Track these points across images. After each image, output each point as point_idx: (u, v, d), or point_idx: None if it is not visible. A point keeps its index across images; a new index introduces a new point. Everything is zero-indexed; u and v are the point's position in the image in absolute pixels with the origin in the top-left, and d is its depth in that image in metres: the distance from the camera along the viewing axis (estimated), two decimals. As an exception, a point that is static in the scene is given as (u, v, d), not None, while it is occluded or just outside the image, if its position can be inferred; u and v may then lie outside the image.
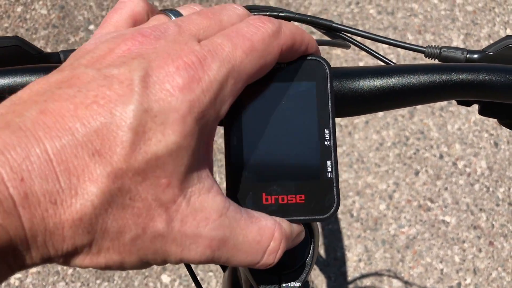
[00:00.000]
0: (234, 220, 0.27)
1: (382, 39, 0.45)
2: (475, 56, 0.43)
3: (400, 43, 0.45)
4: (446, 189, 1.69)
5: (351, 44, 0.46)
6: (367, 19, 1.99)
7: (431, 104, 1.82)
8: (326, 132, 0.30)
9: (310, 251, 0.34)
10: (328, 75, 0.31)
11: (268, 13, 0.47)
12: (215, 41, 0.26)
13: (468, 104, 0.43)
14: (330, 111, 0.30)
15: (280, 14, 0.47)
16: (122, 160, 0.23)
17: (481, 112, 0.43)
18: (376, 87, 0.38)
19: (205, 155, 0.26)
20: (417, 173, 1.71)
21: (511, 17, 2.02)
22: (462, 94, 0.38)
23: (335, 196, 0.29)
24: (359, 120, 1.78)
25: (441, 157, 1.74)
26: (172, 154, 0.24)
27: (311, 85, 0.30)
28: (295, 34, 0.29)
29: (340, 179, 1.69)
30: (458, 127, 1.79)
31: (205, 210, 0.26)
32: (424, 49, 0.45)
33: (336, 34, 0.47)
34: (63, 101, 0.23)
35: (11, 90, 0.35)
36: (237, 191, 0.29)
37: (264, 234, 0.27)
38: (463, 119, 1.80)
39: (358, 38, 0.47)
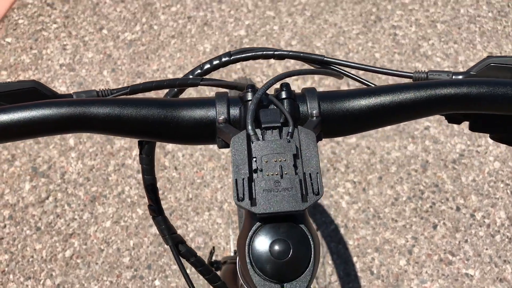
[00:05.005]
0: None
1: (370, 68, 0.48)
2: (460, 77, 0.46)
3: (388, 71, 0.48)
4: (466, 241, 1.66)
5: (343, 75, 0.49)
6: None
7: (443, 157, 1.82)
8: None
9: (311, 260, 0.35)
10: None
11: (264, 52, 0.51)
12: None
13: (458, 121, 0.45)
14: None
15: (275, 53, 0.51)
16: None
17: (472, 127, 0.45)
18: (366, 105, 0.41)
19: None
20: (435, 227, 1.68)
21: None
22: (448, 107, 0.40)
23: None
24: (372, 176, 1.78)
25: (458, 209, 1.72)
26: None
27: None
28: None
29: (357, 236, 1.66)
30: (472, 178, 1.78)
31: None
32: (412, 75, 0.47)
33: (327, 67, 0.50)
34: None
35: (27, 123, 0.38)
36: None
37: None
38: (476, 171, 1.79)
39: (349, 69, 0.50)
